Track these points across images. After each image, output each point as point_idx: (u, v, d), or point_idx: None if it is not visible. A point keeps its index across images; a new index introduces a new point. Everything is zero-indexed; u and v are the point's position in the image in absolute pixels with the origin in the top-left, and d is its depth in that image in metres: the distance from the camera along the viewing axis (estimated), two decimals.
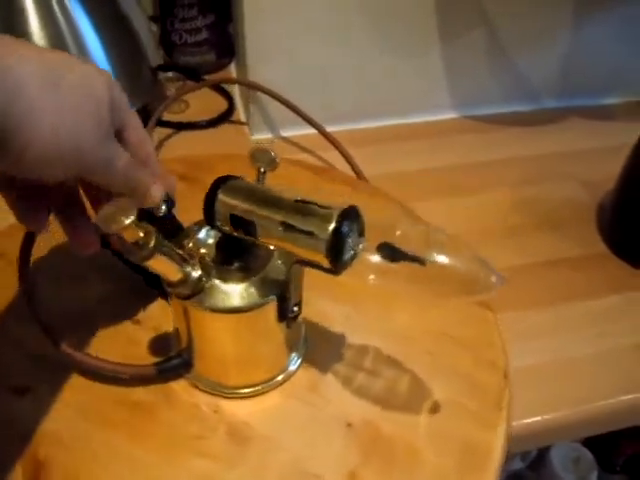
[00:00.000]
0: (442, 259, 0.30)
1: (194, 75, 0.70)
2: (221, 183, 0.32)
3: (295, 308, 0.35)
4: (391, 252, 0.30)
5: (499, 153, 0.63)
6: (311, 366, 0.39)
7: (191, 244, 0.34)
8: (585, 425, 0.42)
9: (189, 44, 0.71)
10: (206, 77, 0.71)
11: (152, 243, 0.28)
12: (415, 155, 0.63)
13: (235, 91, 0.70)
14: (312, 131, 0.61)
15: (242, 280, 0.33)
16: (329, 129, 0.61)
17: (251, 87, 0.61)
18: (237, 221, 0.31)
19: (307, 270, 0.34)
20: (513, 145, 0.65)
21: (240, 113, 0.67)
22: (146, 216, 0.31)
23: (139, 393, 0.37)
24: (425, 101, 0.67)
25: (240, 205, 0.31)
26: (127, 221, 0.27)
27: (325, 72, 0.62)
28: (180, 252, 0.32)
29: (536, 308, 0.47)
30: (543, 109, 0.71)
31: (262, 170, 0.35)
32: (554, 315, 0.47)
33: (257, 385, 0.37)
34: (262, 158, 0.35)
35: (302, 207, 0.30)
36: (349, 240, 0.29)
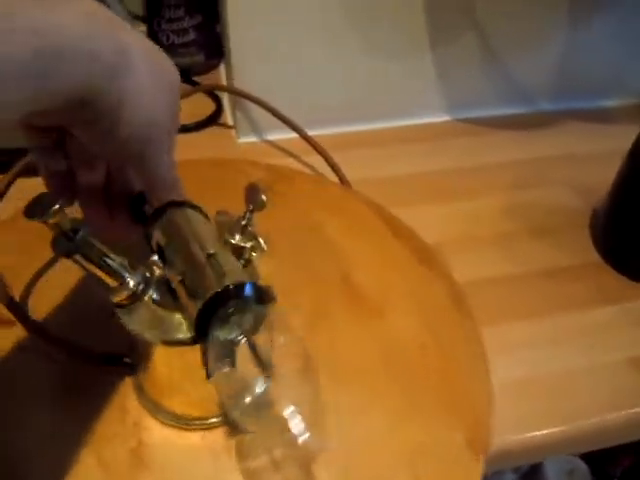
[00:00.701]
0: None
1: (184, 76, 0.69)
2: (167, 209, 0.30)
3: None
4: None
5: (492, 157, 0.62)
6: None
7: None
8: (579, 441, 0.41)
9: (177, 45, 0.70)
10: (195, 78, 0.70)
11: (77, 237, 0.27)
12: (406, 159, 0.61)
13: (224, 94, 0.69)
14: (295, 135, 0.60)
15: (176, 311, 0.31)
16: (318, 132, 0.60)
17: (235, 94, 0.60)
18: (160, 252, 0.30)
19: None
20: (507, 148, 0.63)
21: (227, 116, 0.66)
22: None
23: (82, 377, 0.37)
24: (416, 103, 0.66)
25: (162, 238, 0.30)
26: (55, 207, 0.26)
27: (313, 74, 0.61)
28: (116, 258, 0.30)
29: (528, 318, 0.46)
30: (538, 111, 0.69)
31: (250, 209, 0.33)
32: (546, 326, 0.46)
33: (184, 419, 0.36)
34: (253, 197, 0.33)
35: (201, 266, 0.28)
36: (216, 323, 0.26)
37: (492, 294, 0.47)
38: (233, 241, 0.32)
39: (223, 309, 0.26)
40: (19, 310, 0.39)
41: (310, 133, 0.60)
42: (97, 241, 0.29)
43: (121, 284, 0.30)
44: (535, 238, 0.53)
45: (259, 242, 0.32)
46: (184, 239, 0.29)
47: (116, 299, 0.30)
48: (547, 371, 0.43)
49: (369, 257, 0.48)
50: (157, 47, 0.28)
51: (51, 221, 0.27)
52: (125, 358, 0.36)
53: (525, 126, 0.66)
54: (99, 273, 0.30)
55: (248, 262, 0.33)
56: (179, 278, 0.28)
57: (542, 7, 0.61)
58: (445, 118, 0.67)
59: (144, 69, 0.26)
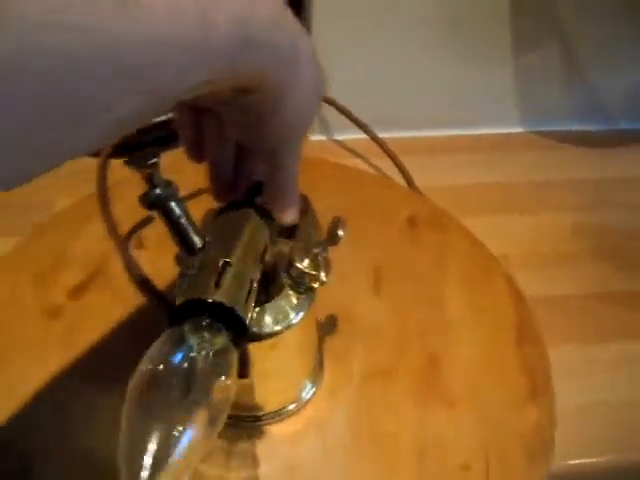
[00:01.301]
0: None
1: None
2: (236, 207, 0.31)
3: None
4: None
5: (562, 173, 0.61)
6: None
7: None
8: (631, 473, 0.40)
9: None
10: None
11: (166, 191, 0.28)
12: (474, 168, 0.61)
13: None
14: (365, 136, 0.60)
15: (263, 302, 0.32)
16: (386, 135, 0.60)
17: None
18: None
19: None
20: (579, 165, 0.62)
21: None
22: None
23: None
24: (491, 113, 0.65)
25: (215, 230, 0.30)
26: (154, 160, 0.27)
27: (388, 77, 0.61)
28: (194, 227, 0.30)
29: (589, 343, 0.45)
30: (615, 130, 0.67)
31: (326, 241, 0.34)
32: (606, 352, 0.45)
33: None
34: (332, 230, 0.33)
35: (209, 263, 0.28)
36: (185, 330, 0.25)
37: (555, 313, 0.47)
38: (299, 265, 0.32)
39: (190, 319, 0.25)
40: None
41: (379, 135, 0.60)
42: (183, 205, 0.29)
43: (190, 253, 0.29)
44: (602, 260, 0.52)
45: (321, 275, 0.32)
46: (223, 237, 0.30)
47: (182, 267, 0.30)
48: (605, 398, 0.42)
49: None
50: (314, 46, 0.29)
51: (147, 171, 0.27)
52: None
53: (600, 144, 0.65)
54: (174, 234, 0.30)
55: (307, 289, 0.33)
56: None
57: (629, 26, 0.60)
58: (519, 130, 0.66)
59: (307, 70, 0.26)
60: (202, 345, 0.24)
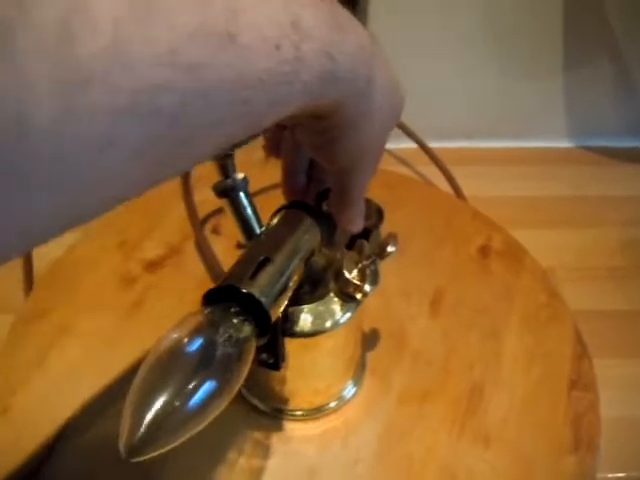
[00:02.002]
0: None
1: None
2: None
3: None
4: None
5: (612, 189, 0.60)
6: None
7: None
8: None
9: None
10: None
11: (236, 182, 0.30)
12: (522, 181, 0.61)
13: None
14: (414, 145, 0.61)
15: (307, 303, 0.33)
16: (435, 145, 0.61)
17: None
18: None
19: None
20: (628, 183, 0.61)
21: None
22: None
23: None
24: (541, 126, 0.65)
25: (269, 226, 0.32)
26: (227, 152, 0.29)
27: (440, 86, 0.62)
28: (257, 221, 0.32)
29: (633, 357, 0.45)
30: None
31: (377, 253, 0.34)
32: None
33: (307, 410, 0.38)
34: (384, 245, 0.34)
35: (252, 256, 0.29)
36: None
37: (602, 326, 0.46)
38: (347, 274, 0.33)
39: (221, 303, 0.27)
40: None
41: (428, 145, 0.61)
42: (250, 197, 0.31)
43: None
44: None
45: (365, 287, 0.33)
46: (273, 233, 0.31)
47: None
48: None
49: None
50: (393, 72, 0.29)
51: (222, 162, 0.30)
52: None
53: None
54: (238, 223, 0.31)
55: (351, 299, 0.34)
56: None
57: None
58: (568, 144, 0.66)
59: (381, 98, 0.27)
60: (227, 329, 0.26)
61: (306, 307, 0.33)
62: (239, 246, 0.33)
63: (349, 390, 0.39)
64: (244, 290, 0.26)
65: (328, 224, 0.33)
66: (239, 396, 0.38)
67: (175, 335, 0.25)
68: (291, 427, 0.37)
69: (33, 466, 0.35)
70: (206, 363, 0.25)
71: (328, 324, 0.33)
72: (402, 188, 0.55)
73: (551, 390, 0.40)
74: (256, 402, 0.38)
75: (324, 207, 0.34)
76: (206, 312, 0.26)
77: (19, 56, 0.13)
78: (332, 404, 0.38)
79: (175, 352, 0.25)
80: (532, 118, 0.64)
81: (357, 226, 0.33)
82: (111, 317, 0.43)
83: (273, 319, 0.27)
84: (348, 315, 0.34)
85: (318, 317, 0.33)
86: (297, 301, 0.33)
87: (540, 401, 0.39)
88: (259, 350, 0.33)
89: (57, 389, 0.39)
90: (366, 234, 0.42)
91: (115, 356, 0.39)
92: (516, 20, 0.58)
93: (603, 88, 0.62)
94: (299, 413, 0.38)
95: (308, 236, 0.32)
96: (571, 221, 0.57)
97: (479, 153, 0.64)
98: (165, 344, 0.25)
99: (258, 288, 0.27)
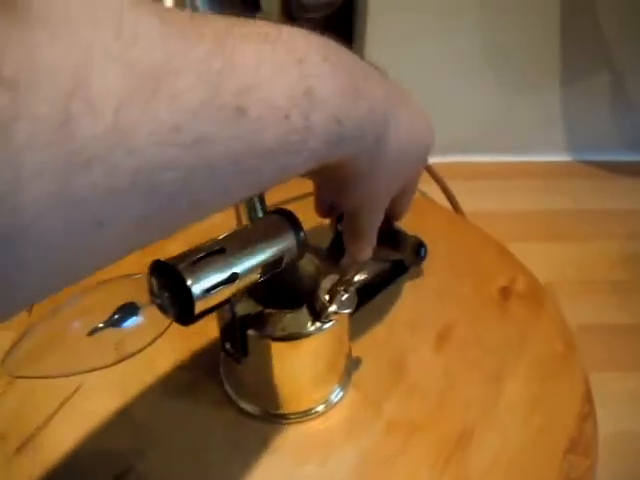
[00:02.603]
0: None
1: None
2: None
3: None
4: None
5: (611, 203, 0.61)
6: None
7: None
8: None
9: None
10: None
11: None
12: (522, 194, 0.61)
13: None
14: None
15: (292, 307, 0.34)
16: (435, 160, 0.61)
17: None
18: None
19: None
20: (626, 196, 0.62)
21: None
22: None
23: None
24: (540, 140, 0.66)
25: None
26: None
27: (436, 102, 0.61)
28: None
29: (632, 371, 0.45)
30: None
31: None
32: None
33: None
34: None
35: (212, 244, 0.29)
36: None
37: (601, 340, 0.47)
38: (320, 291, 0.33)
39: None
40: None
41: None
42: None
43: None
44: None
45: (330, 307, 0.33)
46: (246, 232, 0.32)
47: None
48: None
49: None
50: (419, 109, 0.30)
51: None
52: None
53: None
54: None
55: (316, 314, 0.34)
56: None
57: None
58: (567, 158, 0.66)
59: (396, 148, 0.27)
60: (155, 299, 0.27)
61: (290, 311, 0.34)
62: None
63: (336, 394, 0.39)
64: (178, 271, 0.27)
65: (338, 243, 0.35)
66: (226, 398, 0.39)
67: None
68: (274, 433, 0.37)
69: None
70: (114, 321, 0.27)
71: (311, 328, 0.34)
72: (428, 213, 0.53)
73: (547, 447, 0.37)
74: (244, 405, 0.38)
75: (339, 227, 0.35)
76: (137, 277, 0.28)
77: (16, 148, 0.13)
78: (319, 408, 0.38)
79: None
80: (531, 132, 0.65)
81: (365, 255, 0.34)
82: None
83: (200, 308, 0.27)
84: (329, 324, 0.34)
85: (300, 321, 0.34)
86: (282, 304, 0.34)
87: (532, 456, 0.37)
88: (223, 339, 0.35)
89: None
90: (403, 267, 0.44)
91: None
92: (514, 35, 0.59)
93: (601, 103, 0.63)
94: (288, 416, 0.38)
95: (279, 242, 0.31)
96: (571, 235, 0.57)
97: (478, 167, 0.65)
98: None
99: (192, 274, 0.27)
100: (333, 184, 0.28)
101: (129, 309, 0.28)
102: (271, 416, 0.38)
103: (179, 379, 0.40)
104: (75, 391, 0.39)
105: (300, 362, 0.36)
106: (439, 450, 0.37)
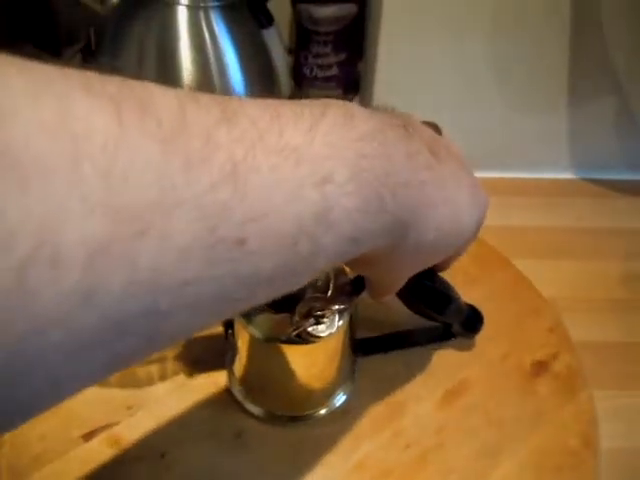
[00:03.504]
0: None
1: None
2: None
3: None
4: None
5: (614, 222, 0.61)
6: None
7: None
8: None
9: (319, 78, 0.74)
10: None
11: None
12: (524, 211, 0.62)
13: None
14: None
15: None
16: None
17: None
18: None
19: None
20: (631, 215, 0.62)
21: None
22: None
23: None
24: (542, 157, 0.66)
25: None
26: None
27: (445, 117, 0.62)
28: None
29: (632, 390, 0.45)
30: None
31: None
32: None
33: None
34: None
35: None
36: None
37: (602, 358, 0.47)
38: (299, 307, 0.34)
39: None
40: None
41: None
42: None
43: None
44: None
45: (301, 323, 0.34)
46: None
47: None
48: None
49: None
50: (466, 192, 0.29)
51: None
52: None
53: None
54: None
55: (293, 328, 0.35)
56: None
57: None
58: (569, 176, 0.67)
59: (418, 245, 0.25)
60: None
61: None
62: None
63: (339, 398, 0.40)
64: None
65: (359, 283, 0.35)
66: (230, 398, 0.40)
67: None
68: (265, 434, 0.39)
69: None
70: None
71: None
72: (489, 263, 0.52)
73: None
74: (248, 405, 0.40)
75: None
76: None
77: None
78: (323, 411, 0.40)
79: None
80: (535, 149, 0.65)
81: (385, 299, 0.34)
82: None
83: None
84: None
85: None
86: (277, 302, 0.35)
87: None
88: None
89: None
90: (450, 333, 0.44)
91: None
92: (520, 52, 0.59)
93: (606, 121, 0.63)
94: (295, 418, 0.40)
95: None
96: (572, 252, 0.57)
97: (481, 183, 0.65)
98: None
99: None
100: (350, 265, 0.28)
101: None
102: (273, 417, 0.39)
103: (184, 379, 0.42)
104: None
105: (293, 366, 0.37)
106: None
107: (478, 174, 0.65)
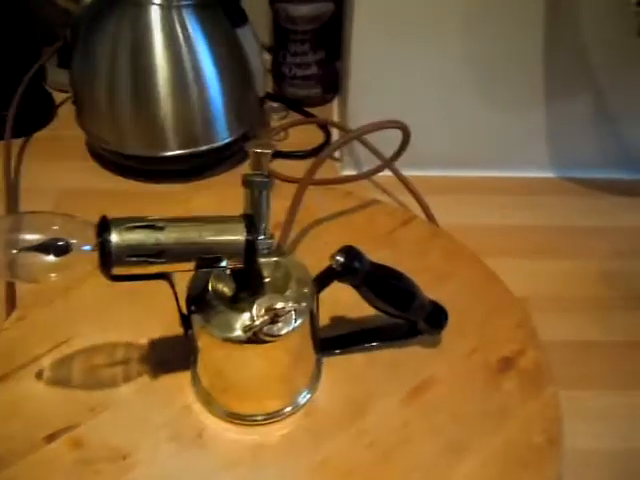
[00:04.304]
0: None
1: (298, 107, 0.73)
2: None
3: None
4: None
5: (592, 220, 0.61)
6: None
7: None
8: None
9: (298, 77, 0.74)
10: (310, 110, 0.74)
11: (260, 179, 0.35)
12: (503, 210, 0.62)
13: (333, 128, 0.72)
14: (389, 173, 0.62)
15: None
16: (419, 173, 0.62)
17: (344, 130, 0.66)
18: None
19: None
20: (608, 213, 0.62)
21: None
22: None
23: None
24: (521, 156, 0.66)
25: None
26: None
27: (422, 116, 0.62)
28: None
29: (607, 389, 0.45)
30: None
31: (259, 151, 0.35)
32: (625, 400, 0.45)
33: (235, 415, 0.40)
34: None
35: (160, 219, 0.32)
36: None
37: (575, 357, 0.47)
38: (257, 304, 0.34)
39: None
40: None
41: (409, 173, 0.61)
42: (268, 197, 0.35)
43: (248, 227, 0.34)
44: (627, 309, 0.51)
45: (254, 321, 0.34)
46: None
47: None
48: (617, 445, 0.42)
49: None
50: None
51: (258, 156, 0.34)
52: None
53: (630, 193, 0.65)
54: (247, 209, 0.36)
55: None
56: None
57: None
58: (548, 175, 0.67)
59: None
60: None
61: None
62: None
63: (303, 397, 0.40)
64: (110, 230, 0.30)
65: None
66: (193, 398, 0.40)
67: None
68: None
69: None
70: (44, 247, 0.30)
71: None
72: (459, 260, 0.51)
73: None
74: (210, 405, 0.40)
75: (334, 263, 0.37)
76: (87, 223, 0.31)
77: None
78: (287, 409, 0.40)
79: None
80: (513, 148, 0.65)
81: None
82: None
83: (119, 267, 0.31)
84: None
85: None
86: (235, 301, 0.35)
87: None
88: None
89: None
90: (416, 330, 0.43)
91: None
92: (498, 51, 0.59)
93: (584, 120, 0.63)
94: (257, 418, 0.39)
95: (223, 241, 0.33)
96: (550, 251, 0.57)
97: (459, 182, 0.65)
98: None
99: (121, 236, 0.31)
100: None
101: (63, 243, 0.30)
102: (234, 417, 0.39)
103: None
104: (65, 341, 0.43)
105: (246, 364, 0.37)
106: None
107: (456, 173, 0.65)
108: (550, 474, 0.37)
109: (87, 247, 0.31)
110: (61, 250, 0.30)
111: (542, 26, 0.58)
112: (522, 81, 0.61)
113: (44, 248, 0.30)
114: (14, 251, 0.30)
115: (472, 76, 0.61)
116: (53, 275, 0.30)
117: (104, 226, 0.31)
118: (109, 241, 0.30)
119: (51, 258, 0.30)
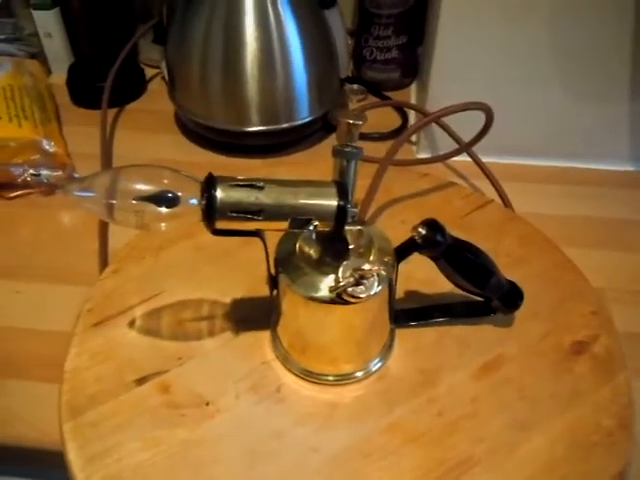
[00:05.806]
0: None
1: (377, 91, 0.74)
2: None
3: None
4: None
5: None
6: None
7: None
8: None
9: (378, 61, 0.75)
10: (388, 93, 0.75)
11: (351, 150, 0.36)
12: (582, 201, 0.61)
13: (411, 111, 0.73)
14: (468, 159, 0.62)
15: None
16: (495, 160, 0.62)
17: (421, 113, 0.66)
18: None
19: None
20: None
21: None
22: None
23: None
24: (603, 149, 0.65)
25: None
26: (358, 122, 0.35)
27: (504, 104, 0.62)
28: None
29: None
30: None
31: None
32: None
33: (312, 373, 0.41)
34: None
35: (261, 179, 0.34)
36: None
37: None
38: (342, 268, 0.35)
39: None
40: None
41: (487, 160, 0.62)
42: (355, 168, 0.36)
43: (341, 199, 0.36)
44: None
45: (341, 283, 0.35)
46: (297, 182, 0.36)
47: None
48: None
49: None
50: None
51: (349, 126, 0.35)
52: None
53: None
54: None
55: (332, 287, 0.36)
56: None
57: None
58: (630, 168, 0.66)
59: None
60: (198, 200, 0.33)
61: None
62: None
63: (375, 363, 0.42)
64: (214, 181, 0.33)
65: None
66: (273, 355, 0.43)
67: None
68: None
69: None
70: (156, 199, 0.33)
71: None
72: (535, 245, 0.52)
73: None
74: (289, 362, 0.42)
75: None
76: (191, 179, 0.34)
77: None
78: (359, 374, 0.41)
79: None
80: (594, 140, 0.64)
81: None
82: None
83: (222, 221, 0.33)
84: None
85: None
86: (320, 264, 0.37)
87: None
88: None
89: None
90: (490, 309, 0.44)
91: None
92: (584, 41, 0.59)
93: None
94: (329, 378, 0.41)
95: (316, 205, 0.35)
96: (628, 244, 0.57)
97: (536, 171, 0.65)
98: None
99: (225, 193, 0.33)
100: None
101: (172, 195, 0.33)
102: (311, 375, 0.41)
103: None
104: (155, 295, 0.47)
105: (327, 325, 0.39)
106: (428, 468, 0.37)
107: (534, 162, 0.65)
108: (620, 458, 0.38)
109: (193, 201, 0.33)
110: (171, 202, 0.33)
111: (630, 18, 0.57)
112: (606, 73, 0.60)
113: (156, 199, 0.32)
114: (132, 201, 0.32)
115: (556, 65, 0.60)
116: (163, 225, 0.33)
117: (211, 182, 0.33)
118: (215, 196, 0.33)
119: (162, 209, 0.33)
